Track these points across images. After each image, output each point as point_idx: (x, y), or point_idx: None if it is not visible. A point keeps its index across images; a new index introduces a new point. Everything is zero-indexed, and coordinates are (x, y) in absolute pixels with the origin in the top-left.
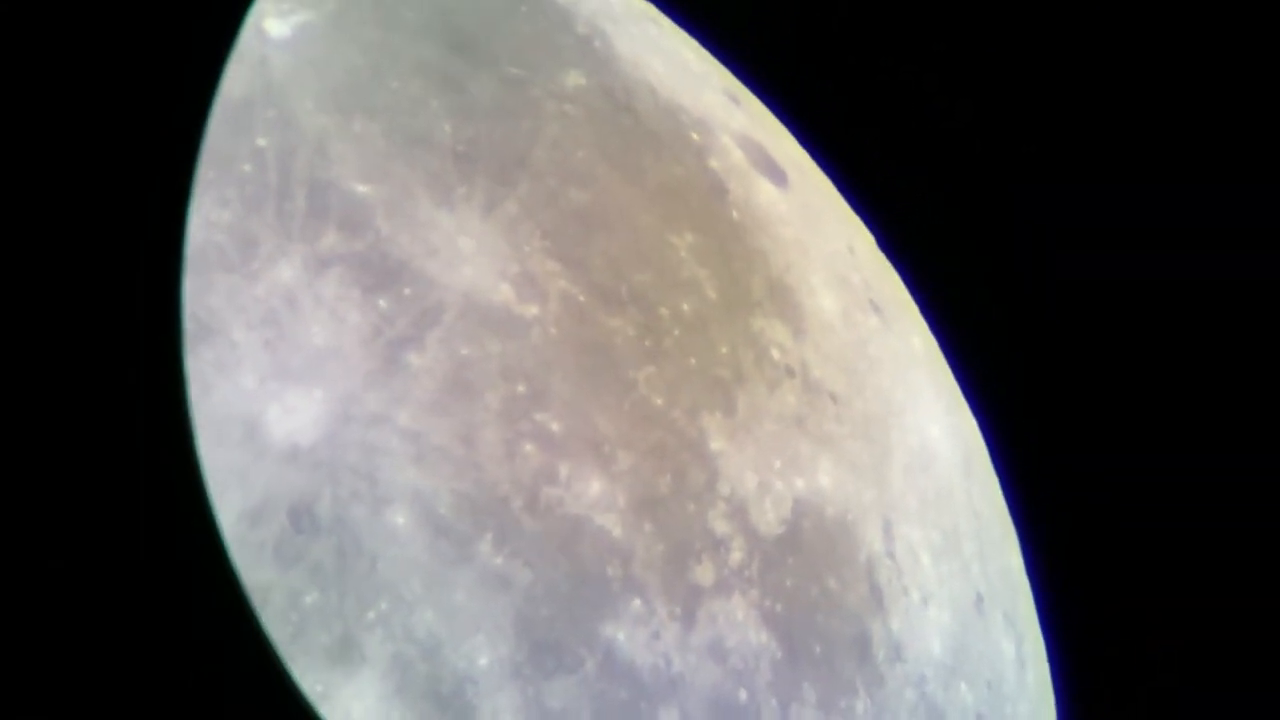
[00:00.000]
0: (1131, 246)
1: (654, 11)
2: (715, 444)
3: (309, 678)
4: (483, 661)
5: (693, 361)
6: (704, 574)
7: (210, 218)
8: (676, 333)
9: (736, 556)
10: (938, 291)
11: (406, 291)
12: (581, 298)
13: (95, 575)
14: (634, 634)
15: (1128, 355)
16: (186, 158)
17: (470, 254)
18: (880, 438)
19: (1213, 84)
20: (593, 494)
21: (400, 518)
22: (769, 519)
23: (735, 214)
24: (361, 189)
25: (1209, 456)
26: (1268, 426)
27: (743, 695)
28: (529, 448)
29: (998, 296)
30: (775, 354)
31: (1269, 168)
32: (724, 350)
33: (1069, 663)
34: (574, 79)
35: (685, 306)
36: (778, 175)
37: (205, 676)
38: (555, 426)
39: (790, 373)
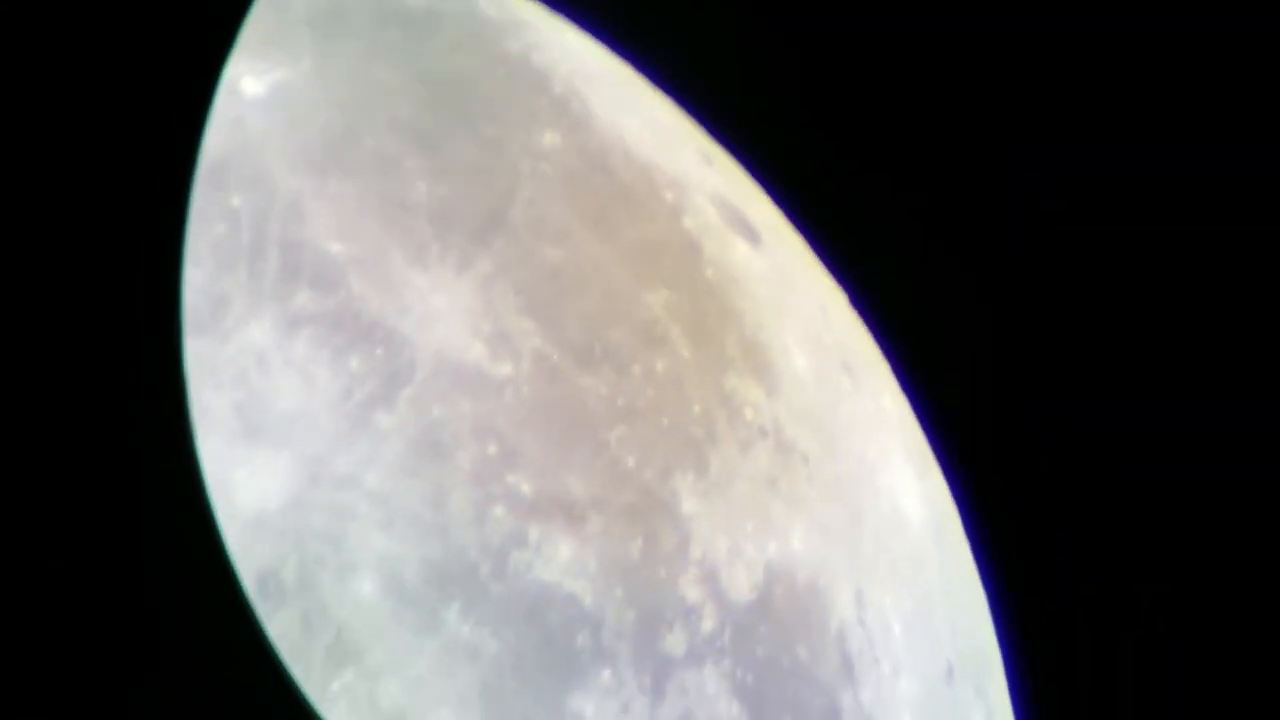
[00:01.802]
0: (1117, 297)
1: (630, 73)
2: (687, 506)
3: None
4: None
5: (665, 421)
6: (675, 643)
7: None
8: (650, 392)
9: (708, 625)
10: (910, 352)
11: (378, 351)
12: (555, 356)
13: (95, 575)
14: (603, 706)
15: (1105, 416)
16: (175, 216)
17: (443, 312)
18: (852, 500)
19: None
20: (563, 558)
21: (367, 585)
22: (741, 585)
23: (710, 272)
24: (335, 248)
25: (1201, 499)
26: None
27: None
28: (499, 510)
29: (971, 359)
30: (749, 413)
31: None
32: (697, 409)
33: None
34: (550, 138)
35: (659, 365)
36: (751, 234)
37: (205, 676)
38: (526, 488)
39: (763, 432)
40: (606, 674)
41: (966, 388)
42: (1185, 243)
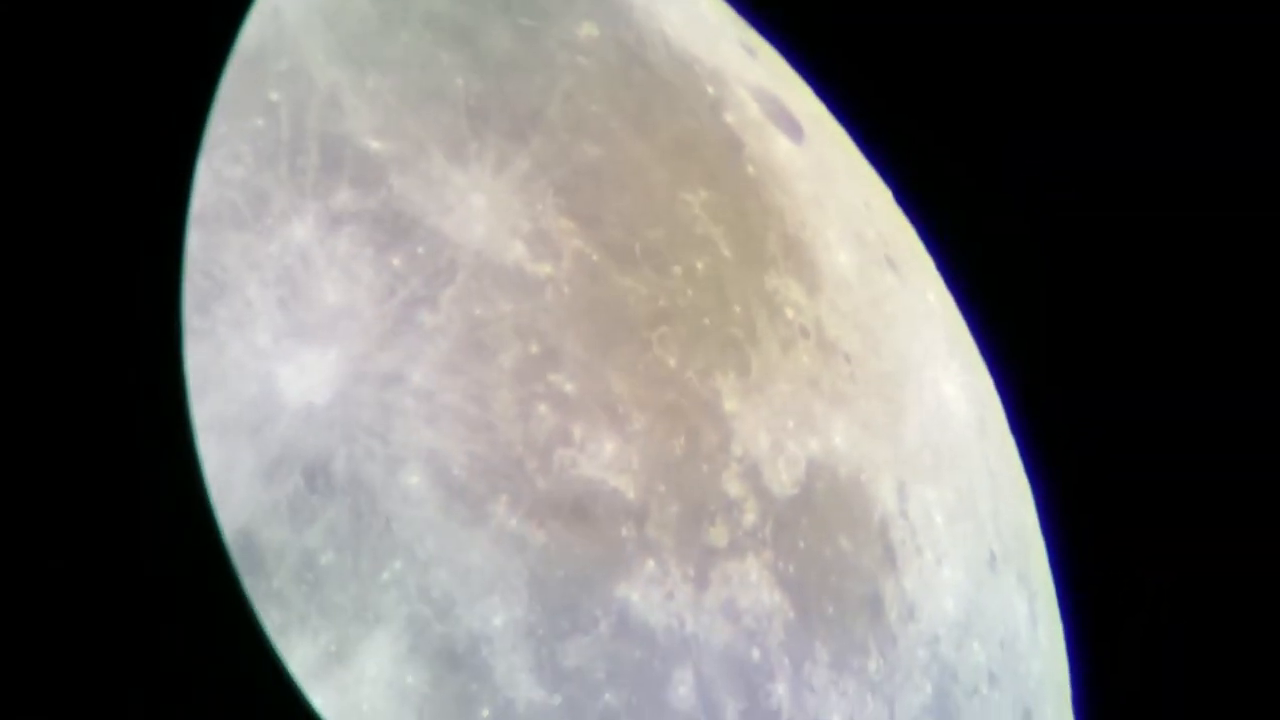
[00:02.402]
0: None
1: None
2: (729, 405)
3: (324, 637)
4: (497, 621)
5: (706, 321)
6: (717, 536)
7: (223, 173)
8: (690, 292)
9: (750, 518)
10: (954, 246)
11: (420, 250)
12: (595, 256)
13: (95, 575)
14: (648, 595)
15: (1146, 305)
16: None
17: (483, 211)
18: (895, 396)
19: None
20: (606, 456)
21: (414, 478)
22: (782, 480)
23: (750, 169)
24: (374, 144)
25: (1227, 401)
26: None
27: (755, 654)
28: (543, 409)
29: (1015, 250)
30: (789, 313)
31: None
32: (738, 309)
33: (1082, 620)
34: (587, 30)
35: (699, 265)
36: (794, 129)
37: (204, 675)
38: (569, 388)
39: (804, 332)
40: (651, 564)
41: (1010, 280)
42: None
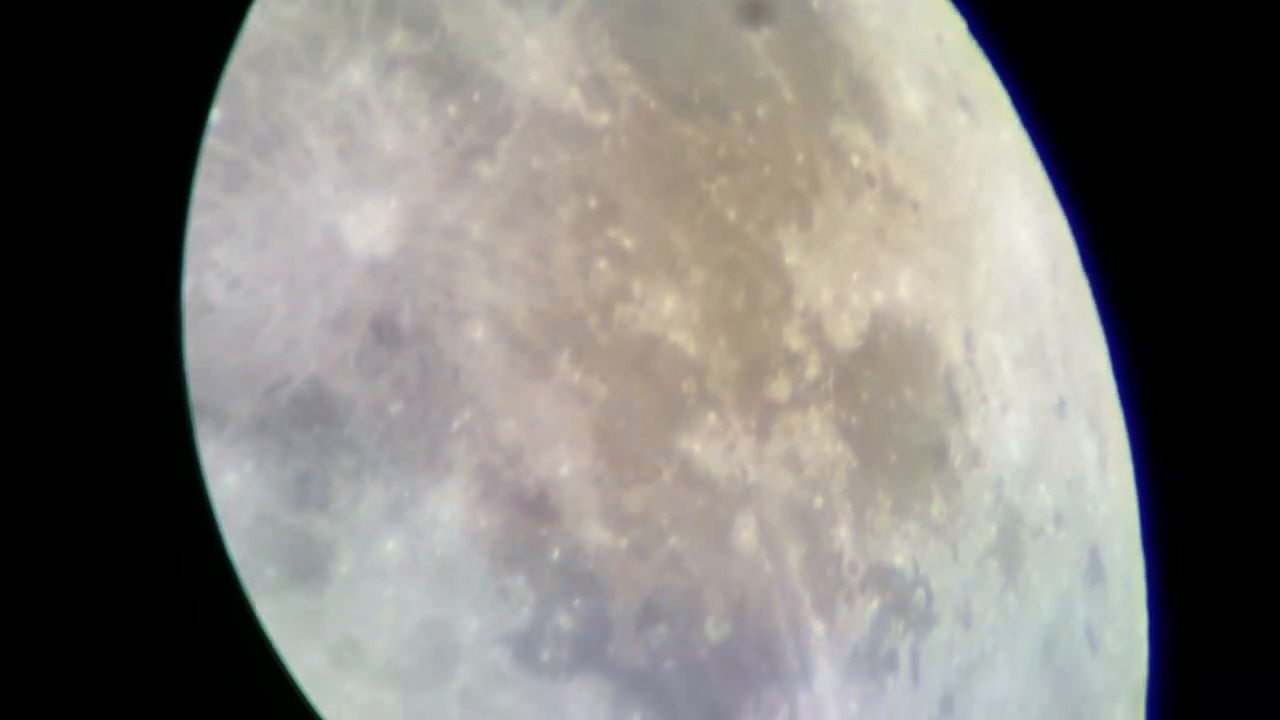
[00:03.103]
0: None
1: None
2: (790, 258)
3: (396, 484)
4: (564, 470)
5: (767, 171)
6: (779, 389)
7: (278, 14)
8: (750, 140)
9: (812, 372)
10: (1030, 81)
11: (475, 97)
12: (652, 104)
13: (94, 574)
14: (709, 446)
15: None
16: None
17: (538, 56)
18: (963, 243)
19: None
20: (666, 311)
21: (478, 332)
22: (845, 333)
23: (815, 3)
24: None
25: None
26: None
27: (818, 502)
28: (602, 264)
29: (1095, 85)
30: (855, 160)
31: None
32: (800, 158)
33: (1153, 463)
34: None
35: (760, 111)
36: None
37: (205, 676)
38: (628, 242)
39: (870, 181)
40: (712, 417)
41: (1089, 118)
42: None
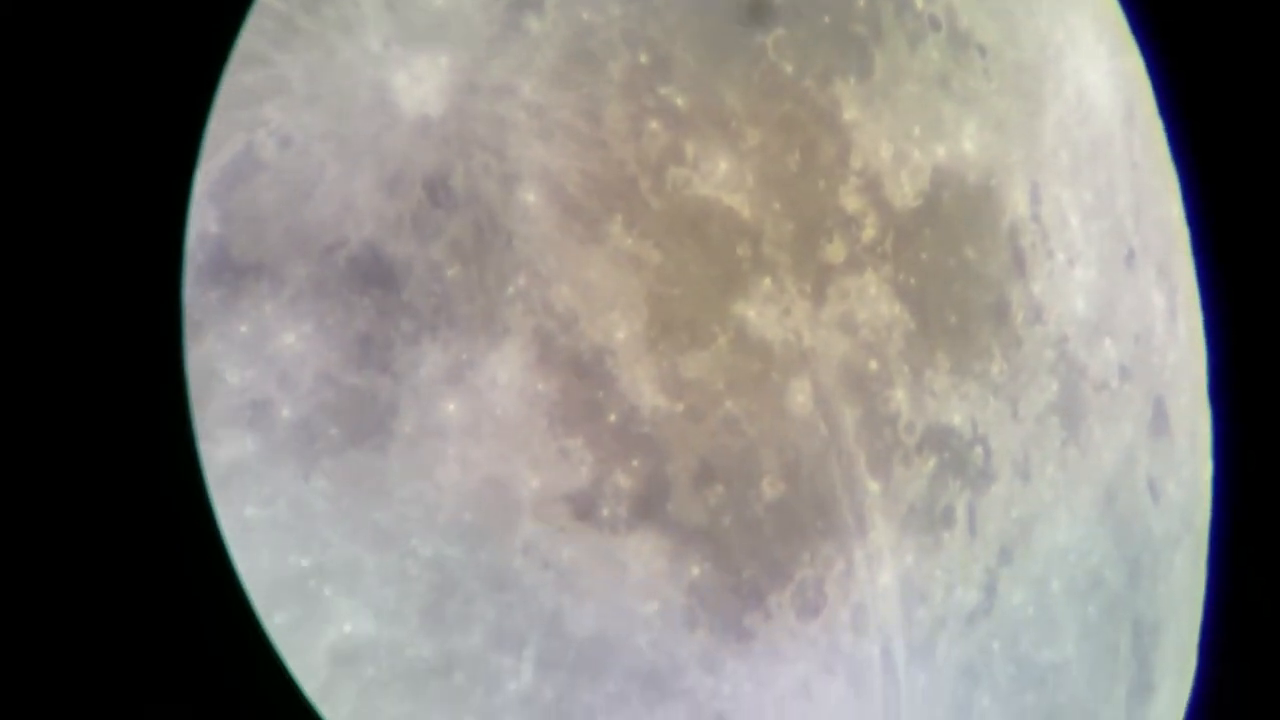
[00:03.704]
0: None
1: None
2: (848, 113)
3: (455, 346)
4: (619, 335)
5: (826, 20)
6: (834, 252)
7: None
8: None
9: (869, 233)
10: None
11: None
12: None
13: (95, 574)
14: (764, 311)
15: None
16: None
17: None
18: (1033, 90)
19: None
20: (720, 173)
21: (531, 195)
22: (904, 192)
23: None
24: None
25: None
26: None
27: (874, 365)
28: (654, 125)
29: None
30: (919, 3)
31: None
32: (861, 3)
33: (1224, 310)
34: None
35: None
36: None
37: (206, 675)
38: (680, 101)
39: (935, 24)
40: (767, 281)
41: None
42: None
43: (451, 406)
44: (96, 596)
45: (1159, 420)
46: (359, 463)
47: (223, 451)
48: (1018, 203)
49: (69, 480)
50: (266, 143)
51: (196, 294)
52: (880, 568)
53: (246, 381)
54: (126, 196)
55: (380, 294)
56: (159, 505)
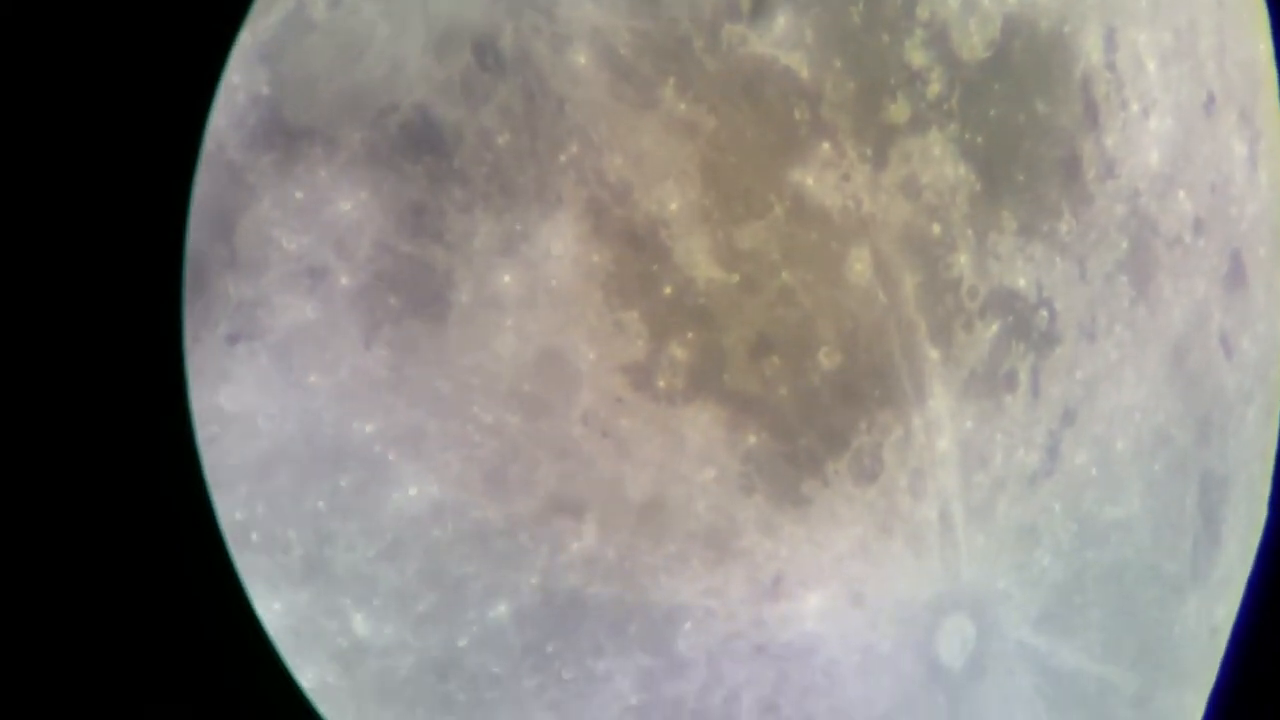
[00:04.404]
0: None
1: None
2: None
3: (508, 216)
4: (673, 206)
5: None
6: (898, 112)
7: None
8: None
9: (935, 89)
10: None
11: None
12: None
13: (95, 574)
14: (822, 177)
15: None
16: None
17: None
18: None
19: None
20: (778, 30)
21: (581, 58)
22: (974, 43)
23: None
24: None
25: None
26: None
27: (936, 229)
28: None
29: None
30: None
31: None
32: None
33: None
34: None
35: None
36: None
37: (205, 676)
38: None
39: None
40: (826, 146)
41: None
42: None
43: (507, 278)
44: (96, 596)
45: (1235, 274)
46: (419, 331)
47: (281, 319)
48: (1092, 50)
49: (69, 480)
50: (316, 1)
51: (250, 158)
52: (939, 434)
53: (303, 248)
54: (127, 196)
55: (432, 160)
56: (159, 505)
